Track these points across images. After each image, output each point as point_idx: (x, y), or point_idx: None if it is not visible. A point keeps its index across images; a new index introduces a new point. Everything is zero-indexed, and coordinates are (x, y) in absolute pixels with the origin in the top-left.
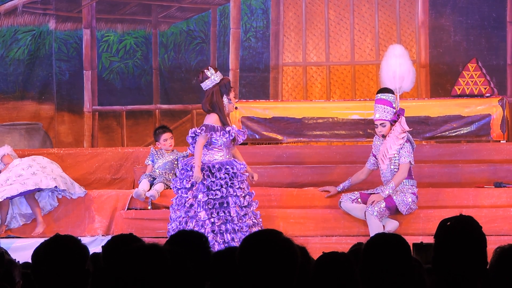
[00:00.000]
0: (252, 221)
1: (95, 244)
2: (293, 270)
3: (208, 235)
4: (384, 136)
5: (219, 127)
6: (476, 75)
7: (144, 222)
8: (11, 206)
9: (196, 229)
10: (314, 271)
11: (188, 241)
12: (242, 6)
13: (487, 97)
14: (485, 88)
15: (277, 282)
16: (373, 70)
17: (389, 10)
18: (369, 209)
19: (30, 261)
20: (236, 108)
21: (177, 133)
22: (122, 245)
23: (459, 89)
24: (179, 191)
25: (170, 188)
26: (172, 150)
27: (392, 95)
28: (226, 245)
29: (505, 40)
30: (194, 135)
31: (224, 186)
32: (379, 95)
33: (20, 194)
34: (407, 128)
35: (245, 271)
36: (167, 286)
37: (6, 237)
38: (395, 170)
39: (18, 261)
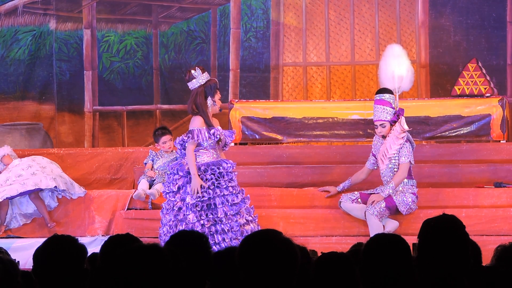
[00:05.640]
0: (245, 219)
1: (95, 244)
2: (293, 270)
3: None
4: (384, 137)
5: (204, 130)
6: (476, 75)
7: (144, 222)
8: (11, 206)
9: None
10: (314, 271)
11: (188, 241)
12: (242, 6)
13: (487, 97)
14: (485, 88)
15: (277, 282)
16: (373, 70)
17: (389, 10)
18: (369, 209)
19: (30, 261)
20: (220, 110)
21: (178, 133)
22: (120, 245)
23: (459, 89)
24: (168, 195)
25: None
26: (172, 151)
27: (391, 95)
28: (218, 246)
29: (505, 40)
30: (182, 142)
31: (211, 188)
32: (378, 95)
33: (20, 195)
34: (406, 128)
35: (245, 271)
36: (167, 286)
37: (6, 237)
38: (395, 170)
39: (18, 261)
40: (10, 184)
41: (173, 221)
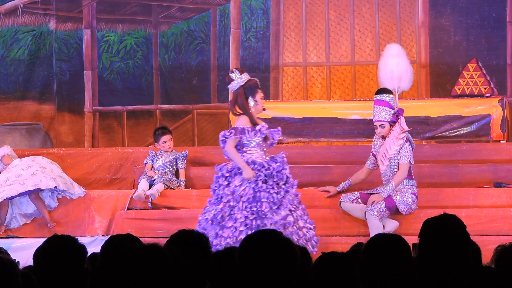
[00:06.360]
0: (289, 209)
1: (95, 244)
2: (293, 270)
3: (241, 228)
4: (384, 137)
5: (249, 128)
6: (476, 75)
7: (144, 222)
8: (11, 206)
9: (230, 223)
10: (314, 271)
11: (188, 241)
12: (242, 6)
13: (487, 97)
14: (485, 88)
15: (277, 282)
16: (373, 70)
17: (389, 10)
18: (369, 209)
19: (30, 261)
20: (264, 109)
21: (178, 133)
22: (121, 245)
23: (459, 89)
24: (216, 190)
25: (171, 188)
26: (172, 151)
27: (391, 95)
28: None
29: (505, 40)
30: (224, 138)
31: (259, 179)
32: (377, 96)
33: (20, 195)
34: (406, 128)
35: (245, 271)
36: (167, 286)
37: (6, 237)
38: (395, 170)
39: (18, 261)
40: (10, 184)
41: (220, 210)
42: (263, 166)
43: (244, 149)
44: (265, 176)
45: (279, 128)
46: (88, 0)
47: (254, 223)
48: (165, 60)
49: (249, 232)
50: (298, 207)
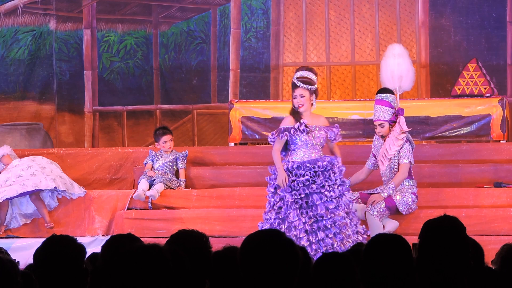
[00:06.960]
0: (345, 212)
1: (95, 244)
2: (294, 271)
3: (302, 235)
4: (383, 137)
5: (290, 127)
6: (476, 75)
7: (144, 222)
8: (10, 206)
9: (287, 231)
10: (314, 271)
11: (188, 241)
12: (243, 6)
13: (487, 97)
14: (485, 88)
15: (278, 282)
16: (373, 70)
17: (389, 10)
18: (369, 209)
19: (30, 261)
20: (296, 108)
21: (178, 133)
22: (121, 245)
23: (459, 89)
24: (267, 196)
25: (171, 188)
26: (172, 151)
27: (391, 95)
28: (321, 242)
29: (505, 40)
30: (271, 141)
31: (306, 184)
32: (378, 95)
33: (20, 195)
34: (406, 129)
35: (246, 271)
36: (167, 286)
37: (6, 237)
38: (395, 170)
39: (18, 261)
40: (9, 185)
41: (274, 218)
42: (307, 167)
43: (292, 147)
44: (311, 176)
45: (337, 125)
46: (88, 0)
47: (315, 226)
48: (165, 60)
49: (312, 238)
50: (353, 213)
